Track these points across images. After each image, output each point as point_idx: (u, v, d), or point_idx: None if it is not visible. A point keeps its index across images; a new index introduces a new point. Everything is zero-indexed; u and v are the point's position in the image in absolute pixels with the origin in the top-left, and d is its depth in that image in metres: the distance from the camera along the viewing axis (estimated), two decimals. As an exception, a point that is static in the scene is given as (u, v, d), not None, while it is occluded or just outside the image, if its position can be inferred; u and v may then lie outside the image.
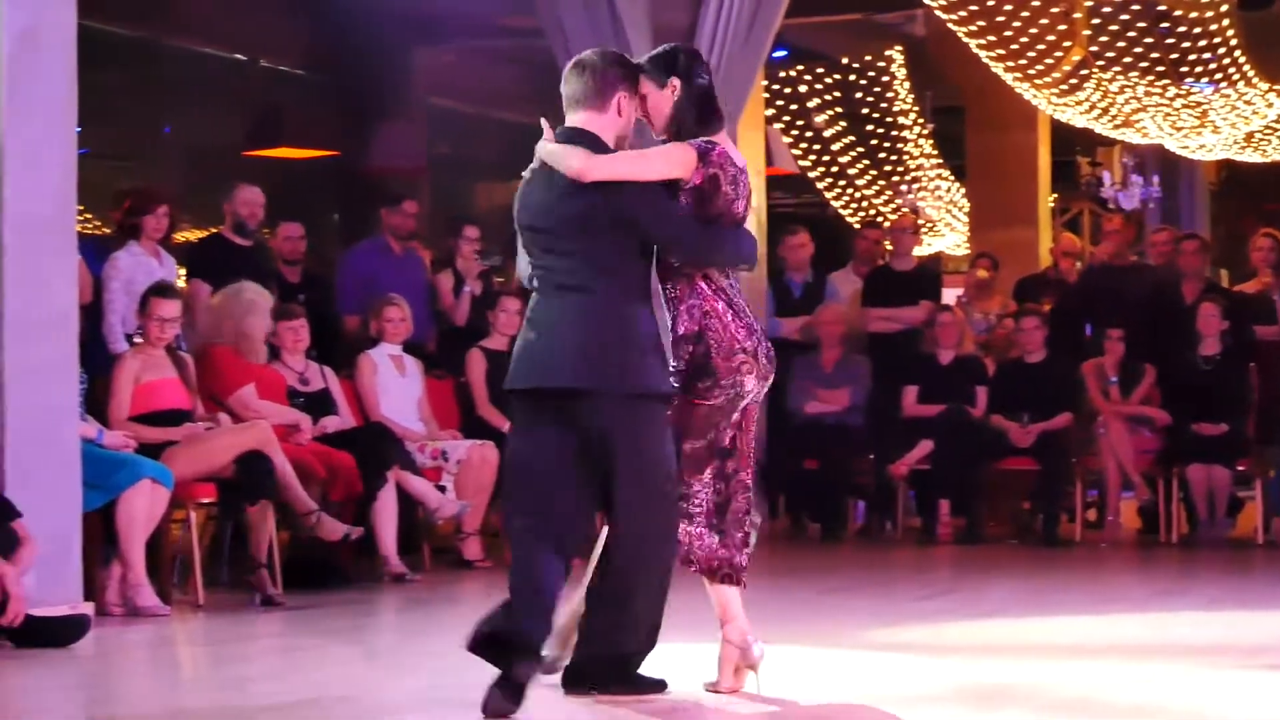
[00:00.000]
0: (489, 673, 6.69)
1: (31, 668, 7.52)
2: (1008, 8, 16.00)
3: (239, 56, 16.70)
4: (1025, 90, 17.37)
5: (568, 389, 6.19)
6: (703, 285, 6.41)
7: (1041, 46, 16.59)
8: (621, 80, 6.41)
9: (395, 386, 11.39)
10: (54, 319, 8.53)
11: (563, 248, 6.25)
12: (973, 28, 16.35)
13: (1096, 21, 16.64)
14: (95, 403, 9.50)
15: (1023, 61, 16.80)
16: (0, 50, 8.27)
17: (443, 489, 10.91)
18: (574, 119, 6.38)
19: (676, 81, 6.46)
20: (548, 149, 6.29)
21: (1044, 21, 16.41)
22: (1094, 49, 16.96)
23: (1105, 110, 17.99)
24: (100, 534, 8.96)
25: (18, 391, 8.31)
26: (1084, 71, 17.18)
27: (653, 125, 6.53)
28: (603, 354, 6.18)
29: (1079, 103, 17.78)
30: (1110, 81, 17.21)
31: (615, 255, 6.24)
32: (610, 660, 6.51)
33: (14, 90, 8.31)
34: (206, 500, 9.68)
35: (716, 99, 6.53)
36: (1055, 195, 20.78)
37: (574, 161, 6.18)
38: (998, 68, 16.98)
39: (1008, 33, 16.39)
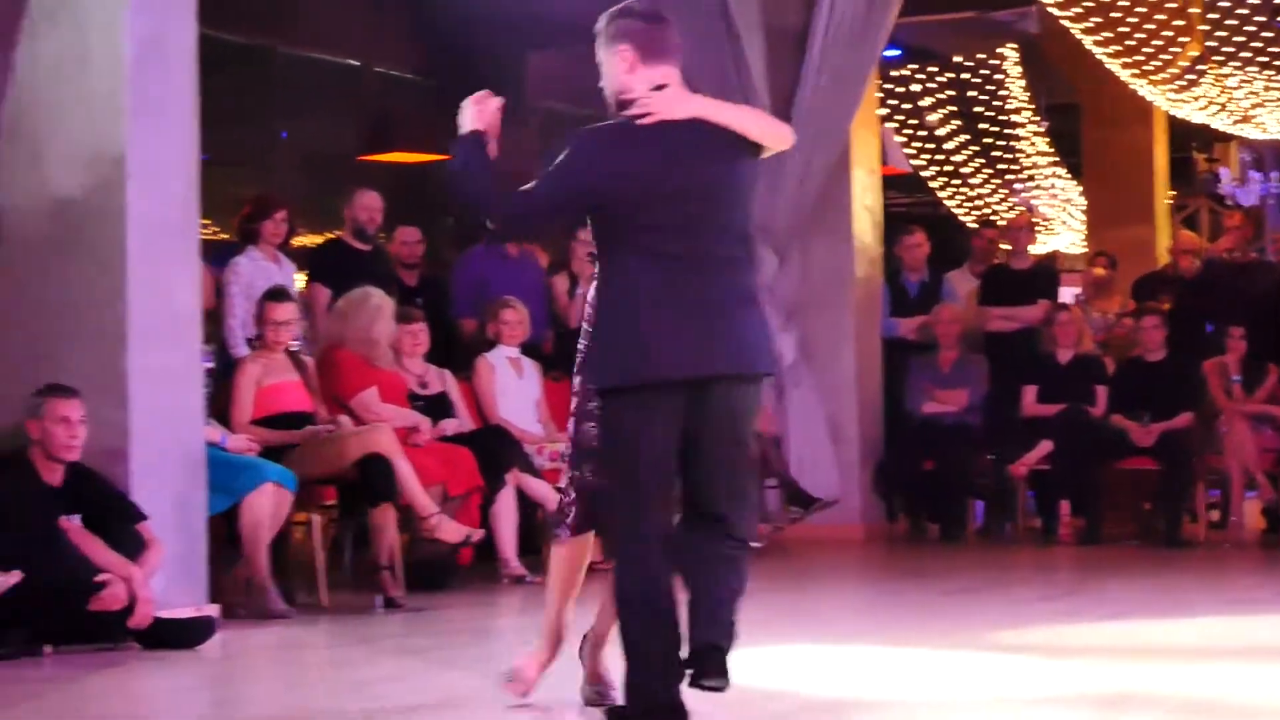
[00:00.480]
0: (615, 673, 6.69)
1: (159, 669, 7.59)
2: (1123, 3, 15.93)
3: (353, 63, 16.79)
4: (1141, 86, 17.27)
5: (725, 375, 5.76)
6: None
7: (1158, 42, 16.51)
8: None
9: (513, 389, 11.43)
10: (177, 324, 8.62)
11: (716, 218, 5.79)
12: (1088, 24, 16.29)
13: (1213, 16, 16.53)
14: (218, 407, 9.59)
15: (1138, 57, 16.72)
16: (124, 58, 8.38)
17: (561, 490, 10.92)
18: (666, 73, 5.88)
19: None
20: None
21: (1160, 17, 16.32)
22: (1211, 44, 16.85)
23: (1223, 106, 17.86)
24: (225, 537, 9.03)
25: (142, 396, 8.40)
26: (1201, 67, 17.06)
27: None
28: (759, 332, 5.86)
29: (1196, 99, 17.66)
30: (1228, 77, 17.07)
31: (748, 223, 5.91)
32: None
33: (137, 98, 8.41)
34: (329, 503, 9.74)
35: None
36: (1172, 192, 20.61)
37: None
38: (1113, 64, 16.90)
39: (1123, 29, 16.32)
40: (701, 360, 5.66)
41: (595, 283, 5.93)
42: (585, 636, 6.32)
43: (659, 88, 5.79)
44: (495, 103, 5.86)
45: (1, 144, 8.62)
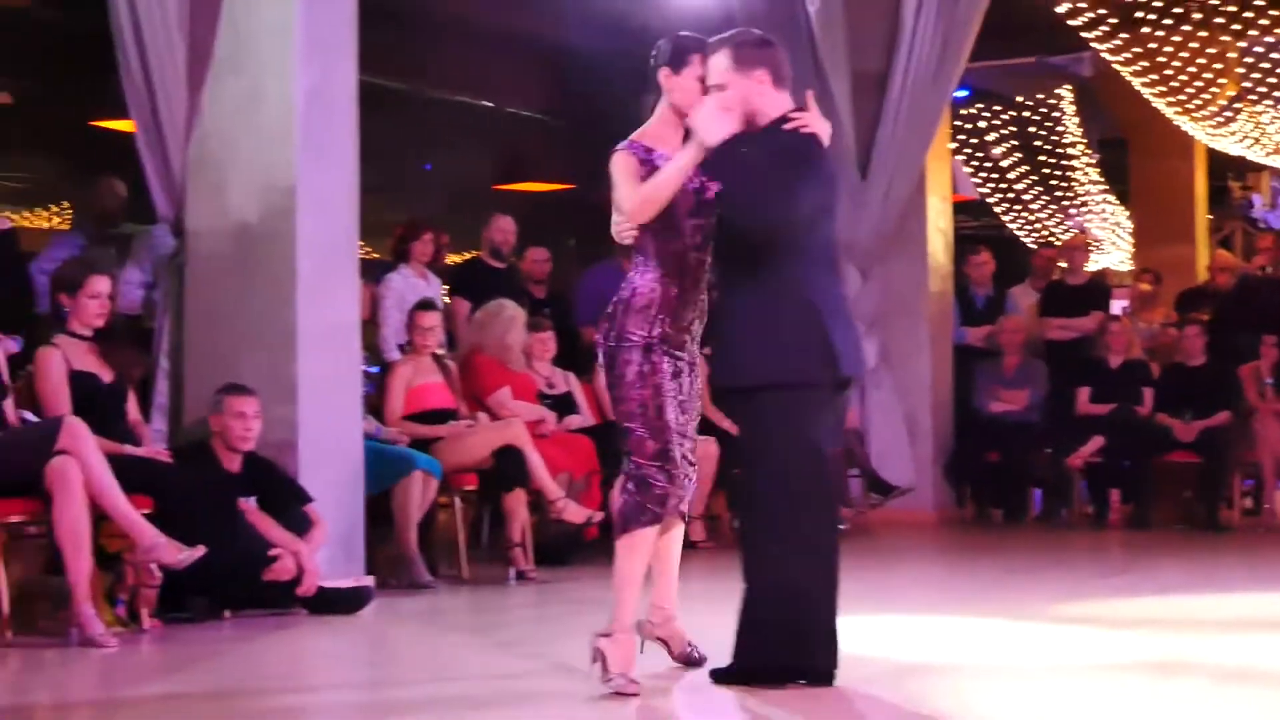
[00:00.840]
0: (721, 642, 6.69)
1: (323, 632, 7.64)
2: (1168, 49, 15.78)
3: (489, 104, 16.87)
4: (1183, 122, 17.11)
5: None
6: None
7: (1198, 83, 16.36)
8: None
9: (629, 390, 11.41)
10: (339, 332, 8.68)
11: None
12: (1136, 68, 16.15)
13: (1249, 60, 16.38)
14: (373, 404, 9.66)
15: (1181, 97, 16.58)
16: (295, 100, 8.44)
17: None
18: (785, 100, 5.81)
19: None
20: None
21: (1201, 61, 16.17)
22: (1246, 85, 16.69)
23: (1257, 140, 17.68)
24: (379, 517, 9.08)
25: (309, 395, 8.45)
26: (1237, 105, 16.90)
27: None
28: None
29: (1232, 133, 17.49)
30: (1261, 114, 16.91)
31: None
32: None
33: (306, 138, 8.47)
34: (469, 488, 9.77)
35: None
36: (1210, 216, 20.41)
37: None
38: (1158, 103, 16.76)
39: (1168, 71, 16.19)
40: (860, 363, 5.72)
41: (732, 287, 5.75)
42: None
43: (799, 109, 5.73)
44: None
45: (189, 175, 8.72)
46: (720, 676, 5.84)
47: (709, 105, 5.61)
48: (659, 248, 5.81)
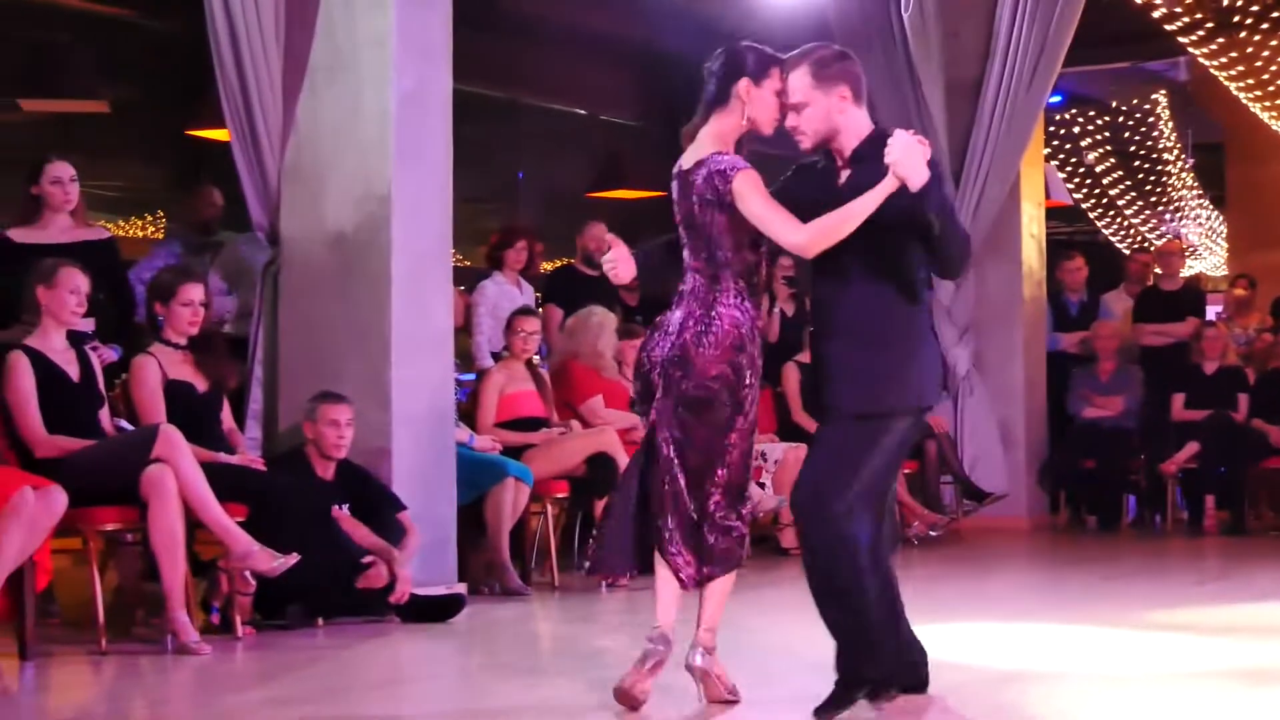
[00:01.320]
0: (814, 647, 6.62)
1: (416, 640, 7.64)
2: (1265, 53, 15.60)
3: (581, 111, 16.88)
4: (1280, 127, 16.92)
5: None
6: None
7: (1297, 86, 16.18)
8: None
9: (721, 396, 11.38)
10: (433, 339, 8.69)
11: None
12: (1232, 72, 15.97)
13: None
14: (466, 411, 9.66)
15: (1279, 100, 16.37)
16: (390, 110, 8.46)
17: (762, 485, 10.90)
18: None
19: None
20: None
21: (1299, 63, 15.99)
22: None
23: (1355, 144, 17.47)
24: (471, 525, 9.08)
25: (403, 402, 8.46)
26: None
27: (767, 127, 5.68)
28: None
29: (1331, 137, 17.29)
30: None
31: None
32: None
33: (401, 146, 8.49)
34: (560, 495, 9.76)
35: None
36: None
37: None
38: (1255, 107, 16.57)
39: (1265, 75, 15.99)
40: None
41: (885, 301, 5.43)
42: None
43: (880, 128, 5.57)
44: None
45: (284, 183, 8.75)
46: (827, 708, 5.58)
47: (910, 144, 5.25)
48: (745, 271, 5.60)
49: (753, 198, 5.42)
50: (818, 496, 5.39)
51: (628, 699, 5.56)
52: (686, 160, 5.62)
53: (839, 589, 5.46)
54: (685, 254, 5.61)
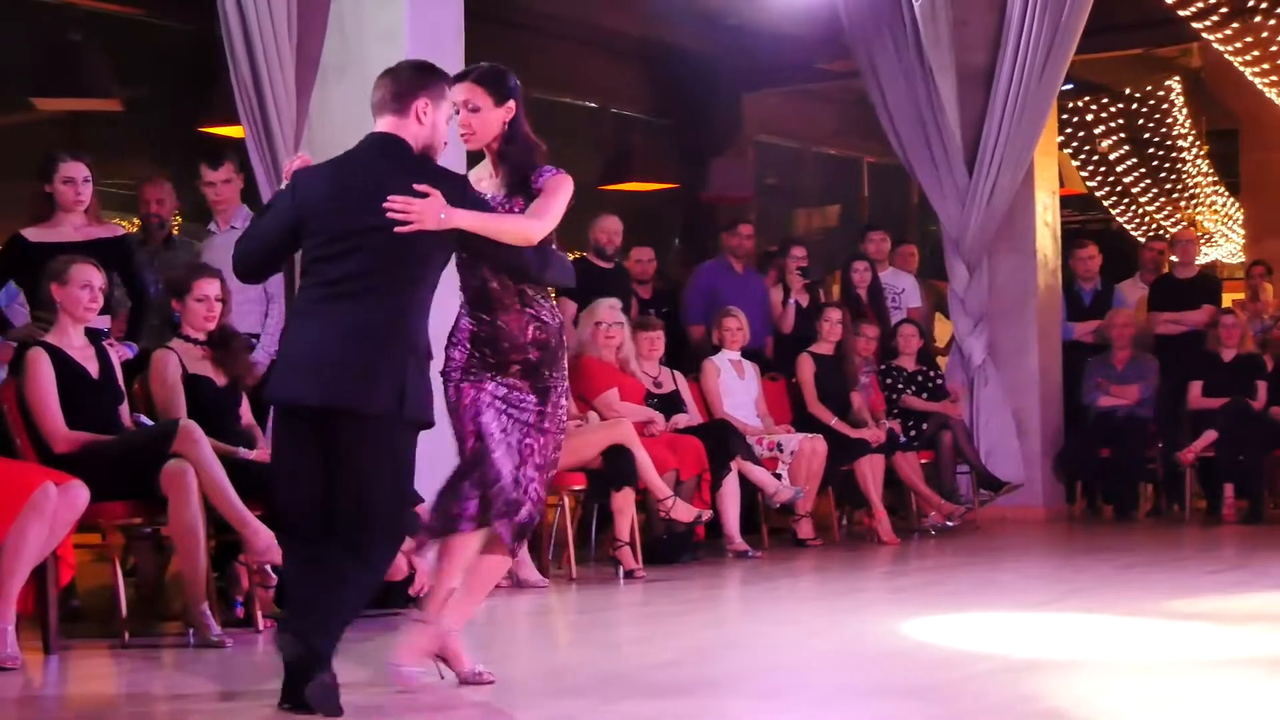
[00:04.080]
0: (834, 638, 6.71)
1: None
2: (1280, 37, 15.64)
3: (591, 104, 16.93)
4: (1296, 112, 16.95)
5: None
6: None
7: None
8: (422, 88, 5.73)
9: (736, 387, 11.46)
10: (448, 333, 8.70)
11: None
12: (1247, 57, 15.98)
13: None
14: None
15: (1294, 86, 16.40)
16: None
17: (778, 476, 10.96)
18: (380, 125, 5.80)
19: (514, 104, 6.00)
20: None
21: (1313, 49, 16.01)
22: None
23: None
24: (489, 517, 9.11)
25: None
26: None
27: (472, 136, 5.98)
28: None
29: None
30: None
31: None
32: None
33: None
34: (577, 488, 9.82)
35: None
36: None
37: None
38: (1270, 93, 16.58)
39: (1280, 61, 16.02)
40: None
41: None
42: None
43: None
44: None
45: (298, 180, 8.79)
46: None
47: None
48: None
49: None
50: None
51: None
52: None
53: None
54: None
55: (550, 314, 5.99)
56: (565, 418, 6.05)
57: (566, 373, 6.08)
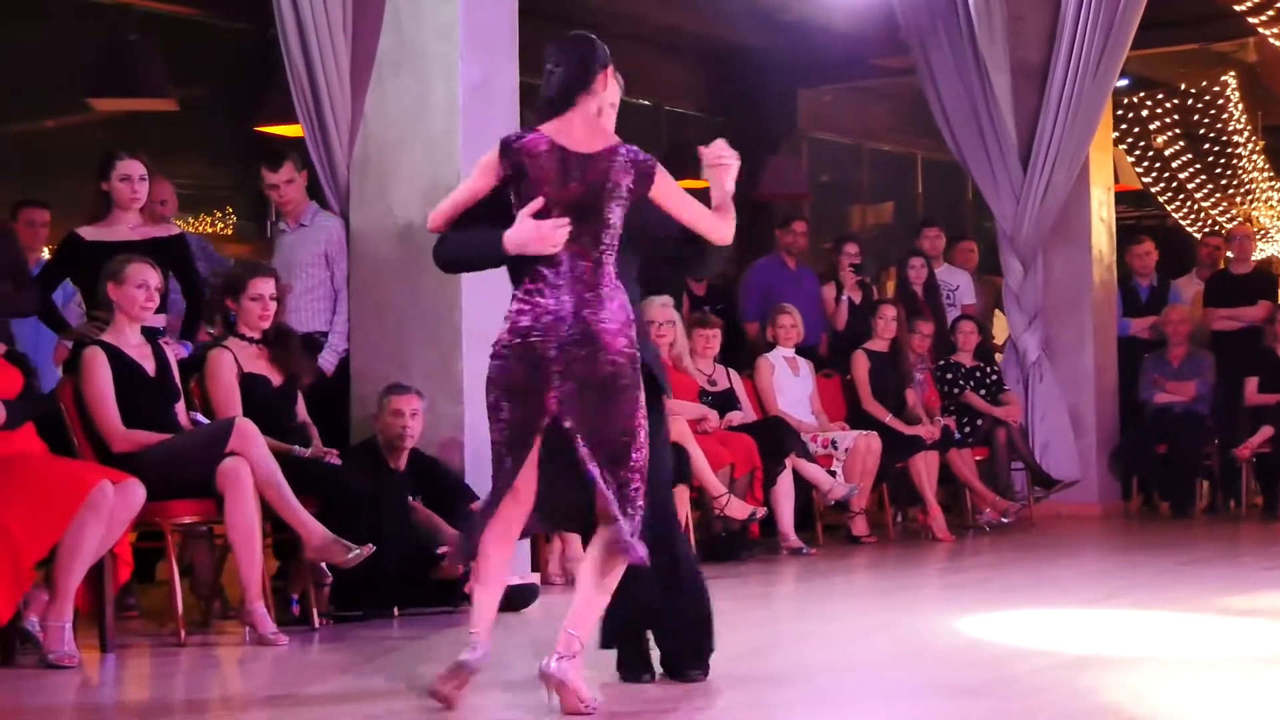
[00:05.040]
0: (889, 635, 6.67)
1: (492, 628, 7.67)
2: (1338, 31, 15.49)
3: (646, 102, 16.91)
4: (1353, 107, 16.79)
5: None
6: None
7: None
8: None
9: (790, 385, 11.42)
10: (503, 331, 8.71)
11: None
12: (1303, 52, 15.85)
13: None
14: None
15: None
16: (458, 100, 8.51)
17: (833, 473, 10.92)
18: None
19: None
20: None
21: (1370, 44, 15.85)
22: None
23: None
24: (543, 515, 9.10)
25: (476, 393, 8.41)
26: None
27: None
28: None
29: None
30: None
31: None
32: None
33: (468, 136, 8.52)
34: (632, 485, 9.76)
35: (560, 89, 5.63)
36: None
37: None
38: (1327, 88, 16.43)
39: (1337, 56, 15.87)
40: None
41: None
42: None
43: None
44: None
45: (354, 177, 8.83)
46: None
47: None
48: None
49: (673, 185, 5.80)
50: None
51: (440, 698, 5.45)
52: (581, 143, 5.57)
53: None
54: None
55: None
56: None
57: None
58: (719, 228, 5.77)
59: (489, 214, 5.57)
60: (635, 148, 5.63)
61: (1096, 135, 12.91)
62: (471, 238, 5.62)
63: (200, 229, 13.97)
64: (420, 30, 8.62)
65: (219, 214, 14.28)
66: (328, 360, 8.69)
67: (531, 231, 5.41)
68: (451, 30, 8.52)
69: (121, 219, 8.21)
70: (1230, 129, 20.57)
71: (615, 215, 5.52)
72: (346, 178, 8.83)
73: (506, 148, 5.52)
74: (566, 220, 5.43)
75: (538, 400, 5.42)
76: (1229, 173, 21.03)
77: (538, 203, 5.44)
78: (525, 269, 5.47)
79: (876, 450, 11.12)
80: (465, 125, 8.50)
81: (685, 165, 16.17)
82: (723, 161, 5.74)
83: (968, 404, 12.38)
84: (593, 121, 5.64)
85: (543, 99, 5.64)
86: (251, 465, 7.11)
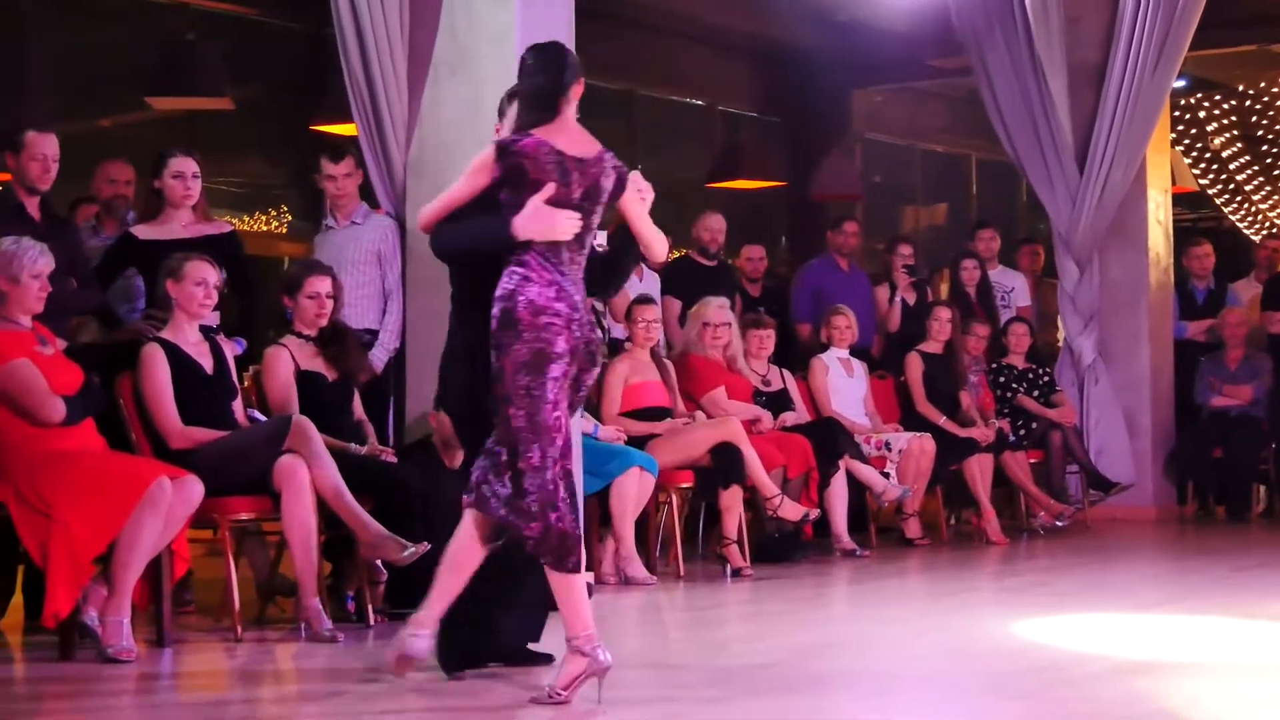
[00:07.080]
0: (943, 638, 6.68)
1: (545, 627, 7.71)
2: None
3: (699, 102, 16.94)
4: None
5: None
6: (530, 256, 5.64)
7: None
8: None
9: (844, 386, 11.43)
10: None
11: None
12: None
13: None
14: (590, 402, 9.73)
15: None
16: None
17: (886, 475, 10.92)
18: None
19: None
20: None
21: None
22: None
23: None
24: (597, 514, 9.17)
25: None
26: None
27: None
28: None
29: None
30: None
31: None
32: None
33: (525, 137, 8.55)
34: (685, 485, 9.82)
35: (544, 94, 5.76)
36: None
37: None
38: (1387, 89, 16.33)
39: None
40: None
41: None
42: None
43: None
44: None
45: (410, 177, 8.88)
46: None
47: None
48: None
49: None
50: None
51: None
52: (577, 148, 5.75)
53: None
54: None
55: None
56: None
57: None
58: (661, 242, 6.02)
59: (472, 215, 5.81)
60: (613, 153, 5.84)
61: (1154, 136, 12.88)
62: (472, 225, 5.82)
63: (255, 227, 14.07)
64: (475, 33, 8.66)
65: (274, 212, 14.37)
66: (378, 358, 8.74)
67: (547, 218, 5.60)
68: (506, 33, 8.55)
69: (174, 217, 8.27)
70: (1289, 131, 20.47)
71: (597, 218, 5.77)
72: (403, 178, 8.89)
73: (504, 150, 5.69)
74: (578, 214, 5.64)
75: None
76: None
77: (550, 189, 5.62)
78: (532, 254, 5.64)
79: (930, 452, 11.12)
80: (524, 127, 8.52)
81: (737, 165, 16.24)
82: (641, 196, 5.87)
83: (1022, 406, 12.36)
84: (577, 127, 5.82)
85: (528, 105, 5.81)
86: (308, 462, 7.17)
